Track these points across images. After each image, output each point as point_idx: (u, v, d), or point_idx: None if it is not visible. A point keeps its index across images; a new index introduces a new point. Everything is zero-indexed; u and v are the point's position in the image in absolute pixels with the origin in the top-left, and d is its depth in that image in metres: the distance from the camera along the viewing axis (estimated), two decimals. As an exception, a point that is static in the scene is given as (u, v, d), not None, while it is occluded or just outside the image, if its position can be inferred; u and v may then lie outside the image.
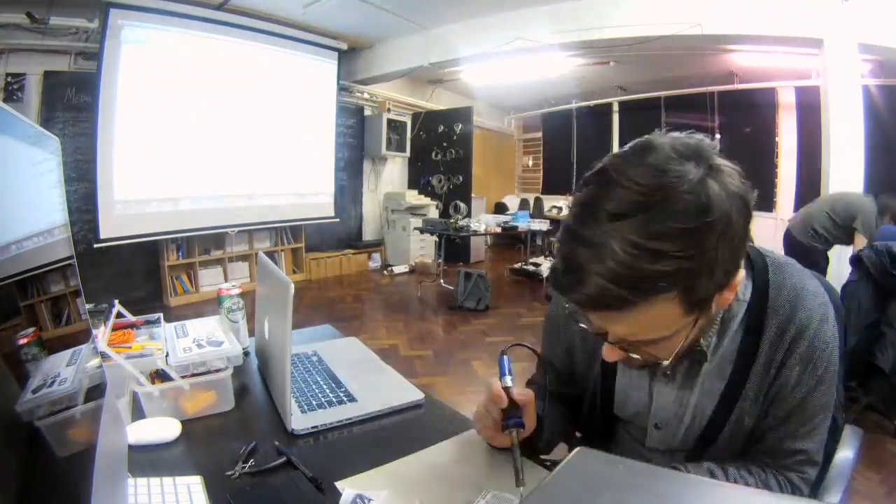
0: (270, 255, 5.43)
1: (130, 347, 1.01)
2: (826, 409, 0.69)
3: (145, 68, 3.94)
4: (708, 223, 0.50)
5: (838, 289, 3.03)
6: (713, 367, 0.70)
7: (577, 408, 0.88)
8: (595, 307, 0.55)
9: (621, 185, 0.52)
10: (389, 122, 6.20)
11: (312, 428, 0.85)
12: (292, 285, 0.80)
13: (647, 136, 0.58)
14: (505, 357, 0.77)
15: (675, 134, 0.58)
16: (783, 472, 0.69)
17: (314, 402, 0.94)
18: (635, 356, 0.61)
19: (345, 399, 0.95)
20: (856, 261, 2.51)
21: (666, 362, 0.61)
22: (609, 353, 0.62)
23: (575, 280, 0.53)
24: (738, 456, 0.73)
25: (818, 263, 3.24)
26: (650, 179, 0.51)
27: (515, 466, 0.66)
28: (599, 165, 0.59)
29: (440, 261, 5.19)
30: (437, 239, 5.35)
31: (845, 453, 0.84)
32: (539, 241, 6.19)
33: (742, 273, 0.60)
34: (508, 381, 0.74)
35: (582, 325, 0.63)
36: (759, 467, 0.70)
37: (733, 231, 0.52)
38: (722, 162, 0.54)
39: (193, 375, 0.91)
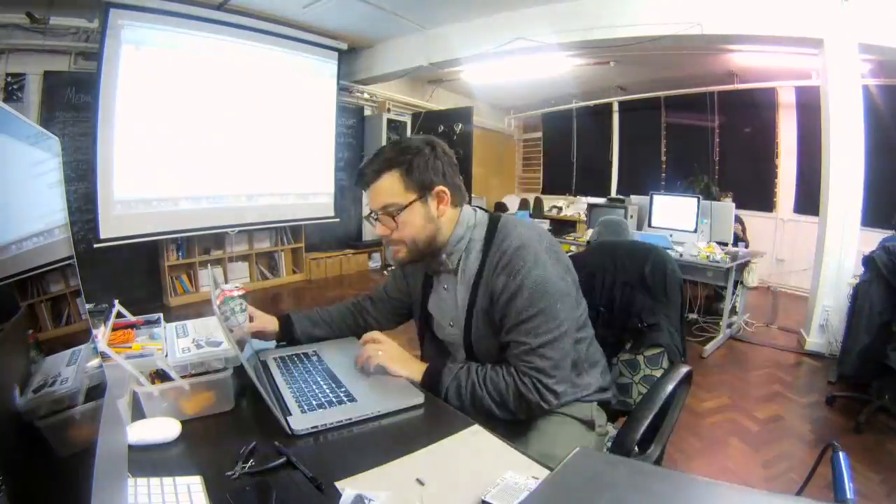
0: (270, 254, 5.43)
1: (130, 347, 1.01)
2: (541, 315, 0.97)
3: (145, 68, 3.94)
4: (418, 146, 1.03)
5: (847, 290, 3.03)
6: (467, 277, 1.08)
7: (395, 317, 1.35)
8: (360, 185, 1.07)
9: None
10: (389, 122, 6.20)
11: (312, 428, 0.85)
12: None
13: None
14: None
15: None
16: (516, 365, 0.99)
17: (314, 402, 0.93)
18: (387, 231, 1.04)
19: (345, 399, 0.95)
20: (868, 261, 2.51)
21: (402, 253, 1.07)
22: (379, 229, 1.06)
23: (360, 173, 1.06)
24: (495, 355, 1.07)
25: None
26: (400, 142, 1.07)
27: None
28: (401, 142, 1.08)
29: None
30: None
31: (668, 385, 0.99)
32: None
33: (471, 214, 1.09)
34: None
35: (372, 219, 1.07)
36: (505, 364, 1.01)
37: (423, 156, 1.01)
38: (438, 141, 1.07)
39: (193, 375, 0.91)
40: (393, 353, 1.07)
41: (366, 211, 1.09)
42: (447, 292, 1.13)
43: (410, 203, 1.01)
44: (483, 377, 1.01)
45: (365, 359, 1.05)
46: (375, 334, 1.12)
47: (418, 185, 1.01)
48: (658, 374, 1.18)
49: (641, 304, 1.21)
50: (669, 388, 0.97)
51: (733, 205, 4.00)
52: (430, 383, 1.03)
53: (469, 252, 1.08)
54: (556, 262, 1.02)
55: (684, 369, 1.04)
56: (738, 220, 4.39)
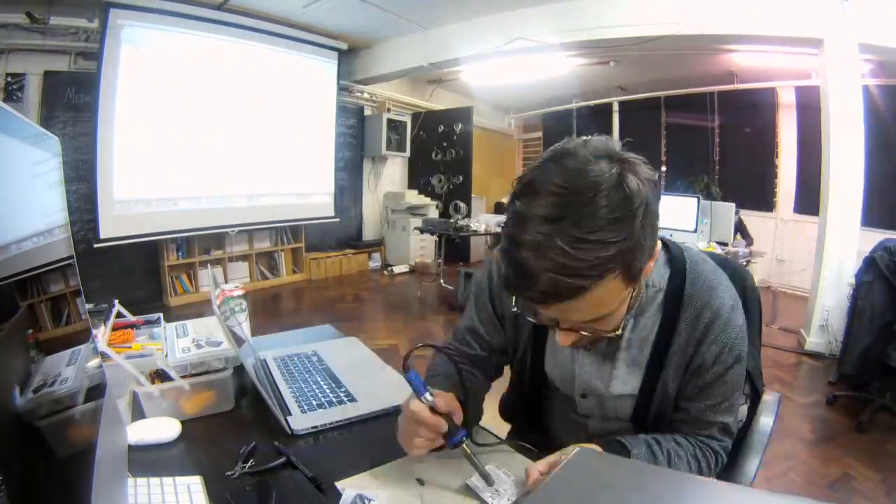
0: (270, 254, 5.43)
1: (130, 347, 1.01)
2: (739, 388, 0.79)
3: (145, 68, 3.94)
4: (633, 209, 0.58)
5: (847, 290, 3.03)
6: (635, 341, 0.79)
7: (495, 372, 0.98)
8: (549, 300, 0.59)
9: (547, 191, 0.58)
10: (389, 122, 6.20)
11: (312, 428, 0.85)
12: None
13: (560, 145, 0.64)
14: (413, 372, 0.73)
15: (584, 137, 0.65)
16: (705, 441, 0.79)
17: (314, 402, 0.94)
18: (586, 334, 0.69)
19: (345, 399, 0.95)
20: (869, 262, 2.52)
21: (616, 332, 0.69)
22: (564, 339, 0.69)
23: (527, 281, 0.58)
24: (667, 430, 0.81)
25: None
26: (572, 181, 0.58)
27: (481, 472, 0.70)
28: (525, 178, 0.62)
29: (440, 261, 5.18)
30: (437, 239, 5.35)
31: (766, 419, 0.95)
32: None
33: (658, 249, 0.74)
34: (429, 397, 0.72)
35: (531, 319, 0.69)
36: (684, 437, 0.79)
37: (652, 210, 0.61)
38: (630, 155, 0.63)
39: (193, 375, 0.91)
40: None
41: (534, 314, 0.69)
42: (589, 355, 0.82)
43: (627, 296, 0.66)
44: (666, 462, 0.76)
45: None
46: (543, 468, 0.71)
47: (637, 275, 0.63)
48: (740, 400, 1.00)
49: None
50: (769, 420, 0.94)
51: (733, 205, 4.00)
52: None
53: (644, 305, 0.78)
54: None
55: (775, 397, 0.98)
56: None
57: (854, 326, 2.52)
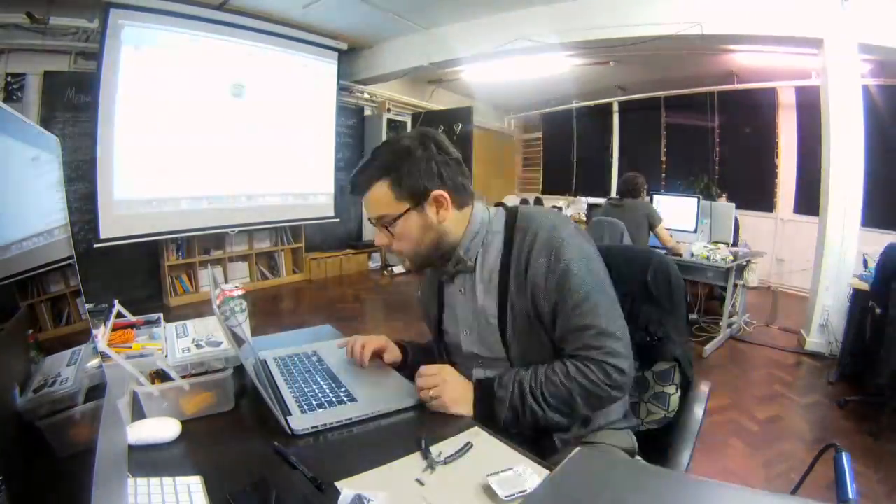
0: (270, 254, 5.43)
1: (130, 347, 1.01)
2: (597, 295, 0.90)
3: (145, 68, 3.94)
4: (396, 150, 0.93)
5: (847, 290, 3.00)
6: (485, 276, 0.98)
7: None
8: (354, 192, 0.97)
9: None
10: (389, 122, 6.20)
11: (312, 428, 0.85)
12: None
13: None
14: None
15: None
16: (581, 355, 0.89)
17: (314, 402, 0.93)
18: (387, 234, 0.95)
19: (345, 399, 0.95)
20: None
21: (407, 263, 0.99)
22: (377, 237, 0.98)
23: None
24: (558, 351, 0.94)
25: None
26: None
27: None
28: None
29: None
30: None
31: (698, 409, 1.00)
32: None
33: (484, 210, 1.00)
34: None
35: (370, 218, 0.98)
36: (562, 362, 0.91)
37: (414, 160, 0.91)
38: (441, 138, 0.96)
39: (193, 375, 0.91)
40: (451, 393, 0.92)
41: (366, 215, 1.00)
42: (463, 296, 1.02)
43: (405, 213, 0.92)
44: (540, 393, 0.90)
45: (425, 398, 0.93)
46: (429, 369, 0.95)
47: (410, 193, 0.91)
48: (670, 390, 1.09)
49: (647, 315, 1.09)
50: (700, 409, 0.96)
51: (733, 205, 4.00)
52: (482, 415, 0.92)
53: (488, 246, 0.99)
54: (590, 242, 0.96)
55: (706, 388, 1.02)
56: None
57: (888, 336, 2.47)
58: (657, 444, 1.05)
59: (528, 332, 0.95)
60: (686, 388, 1.08)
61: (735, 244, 3.90)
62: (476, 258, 0.99)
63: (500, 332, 0.97)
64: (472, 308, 1.01)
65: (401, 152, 0.92)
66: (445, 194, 0.93)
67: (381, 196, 0.92)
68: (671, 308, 1.09)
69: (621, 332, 0.90)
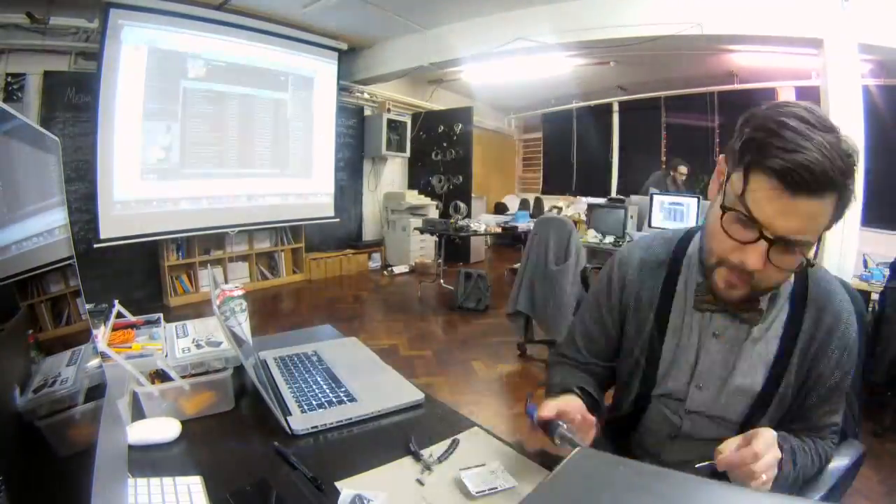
0: (270, 255, 5.43)
1: (130, 347, 1.01)
2: (849, 389, 0.80)
3: (145, 68, 3.94)
4: (851, 158, 0.64)
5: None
6: (762, 334, 0.78)
7: (606, 382, 0.96)
8: (804, 179, 0.61)
9: (810, 118, 0.64)
10: (389, 122, 6.20)
11: (312, 428, 0.85)
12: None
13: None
14: (531, 406, 0.76)
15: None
16: (823, 443, 0.79)
17: (314, 402, 0.93)
18: (780, 262, 0.68)
19: (345, 399, 0.95)
20: None
21: (741, 291, 0.72)
22: (756, 260, 0.67)
23: (806, 169, 0.60)
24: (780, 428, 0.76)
25: None
26: (815, 115, 0.64)
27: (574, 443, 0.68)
28: (764, 112, 0.70)
29: (440, 261, 5.19)
30: (437, 239, 5.35)
31: (837, 462, 0.86)
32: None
33: None
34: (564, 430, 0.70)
35: (742, 221, 0.67)
36: (811, 440, 0.79)
37: (854, 172, 0.64)
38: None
39: (193, 375, 0.91)
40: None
41: (751, 234, 0.67)
42: (718, 342, 0.80)
43: (820, 235, 0.70)
44: (802, 465, 0.75)
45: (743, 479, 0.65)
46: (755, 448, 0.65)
47: (839, 218, 0.68)
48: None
49: None
50: (841, 466, 0.87)
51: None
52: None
53: (775, 297, 0.78)
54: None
55: (857, 450, 0.93)
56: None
57: (883, 334, 2.48)
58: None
59: (774, 419, 0.79)
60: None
61: None
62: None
63: (753, 407, 0.78)
64: (725, 361, 0.79)
65: (852, 162, 0.64)
66: None
67: (824, 213, 0.65)
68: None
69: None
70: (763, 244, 0.66)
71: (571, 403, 0.76)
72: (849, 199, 0.65)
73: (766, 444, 0.64)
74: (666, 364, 0.84)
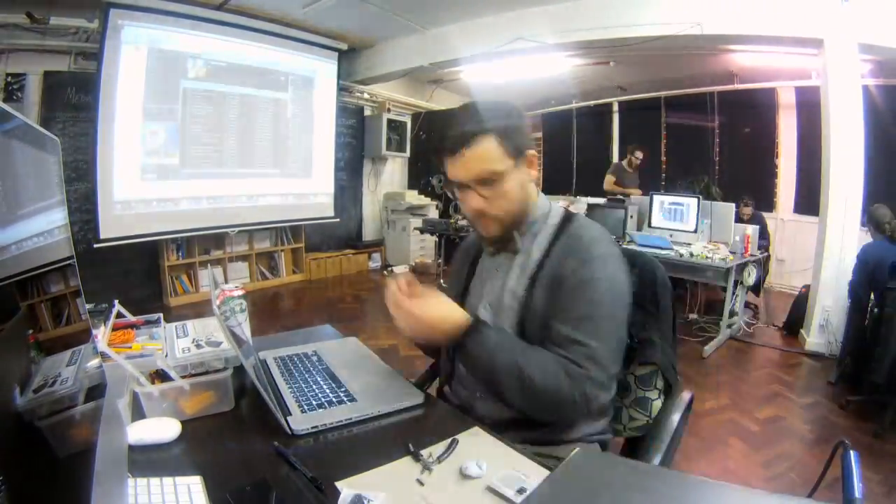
0: (270, 254, 5.43)
1: (130, 347, 1.01)
2: (607, 315, 0.90)
3: (145, 68, 3.94)
4: (496, 109, 0.93)
5: (847, 290, 3.02)
6: (525, 262, 0.99)
7: None
8: (448, 152, 0.93)
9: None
10: (389, 122, 6.20)
11: (312, 428, 0.85)
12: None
13: None
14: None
15: None
16: (569, 359, 0.87)
17: (314, 402, 0.93)
18: (482, 195, 0.93)
19: (345, 399, 0.95)
20: (894, 268, 2.50)
21: (494, 227, 0.97)
22: (470, 199, 0.94)
23: (446, 140, 0.93)
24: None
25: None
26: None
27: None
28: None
29: (440, 261, 5.19)
30: (437, 239, 5.35)
31: (674, 416, 0.99)
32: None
33: (543, 199, 1.03)
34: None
35: (449, 193, 0.98)
36: (554, 355, 0.89)
37: (516, 118, 0.94)
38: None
39: (193, 375, 0.91)
40: (416, 327, 0.89)
41: (458, 184, 0.95)
42: (496, 273, 1.04)
43: (511, 169, 0.92)
44: (528, 356, 0.88)
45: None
46: (396, 297, 0.92)
47: (516, 149, 0.92)
48: (653, 395, 1.07)
49: (631, 318, 1.02)
50: (676, 418, 0.94)
51: (733, 205, 4.00)
52: (463, 337, 0.89)
53: (536, 234, 1.01)
54: (626, 274, 0.95)
55: (687, 396, 1.00)
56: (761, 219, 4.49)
57: (883, 334, 2.49)
58: (634, 453, 1.05)
59: (540, 330, 0.93)
60: (668, 394, 1.06)
61: (760, 249, 3.92)
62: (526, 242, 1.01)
63: (518, 323, 0.96)
64: (500, 288, 1.02)
65: (504, 109, 0.93)
66: (535, 155, 0.97)
67: (487, 151, 0.90)
68: (656, 311, 1.07)
69: (611, 367, 0.89)
70: (462, 191, 0.95)
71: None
72: (507, 134, 0.91)
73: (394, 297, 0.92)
74: (471, 296, 1.09)
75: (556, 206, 1.05)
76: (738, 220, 4.19)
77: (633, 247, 3.68)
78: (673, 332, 1.10)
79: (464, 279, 1.12)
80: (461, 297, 1.09)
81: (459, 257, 1.19)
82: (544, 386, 0.85)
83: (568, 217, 1.02)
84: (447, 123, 0.93)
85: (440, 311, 0.90)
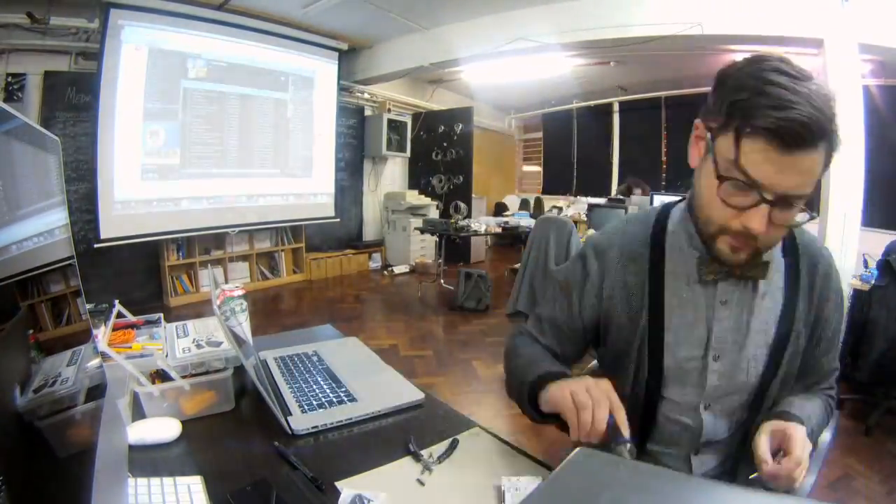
0: (271, 255, 5.43)
1: (131, 347, 1.01)
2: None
3: (145, 68, 3.94)
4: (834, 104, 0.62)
5: (847, 290, 3.04)
6: (767, 288, 0.77)
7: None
8: (800, 135, 0.59)
9: (788, 69, 0.63)
10: (390, 122, 6.20)
11: (312, 428, 0.85)
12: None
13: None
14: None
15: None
16: (828, 393, 0.83)
17: (314, 402, 0.93)
18: (781, 216, 0.65)
19: (345, 399, 0.95)
20: (883, 265, 2.50)
21: (745, 254, 0.70)
22: (760, 223, 0.64)
23: (797, 122, 0.58)
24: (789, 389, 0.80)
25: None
26: (796, 68, 0.63)
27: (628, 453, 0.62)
28: (740, 67, 0.66)
29: (440, 261, 5.19)
30: (437, 239, 5.35)
31: (826, 433, 0.88)
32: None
33: None
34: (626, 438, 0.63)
35: (740, 186, 0.64)
36: (813, 394, 0.81)
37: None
38: None
39: (193, 375, 0.91)
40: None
41: (748, 198, 0.65)
42: (727, 309, 0.77)
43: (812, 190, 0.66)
44: (816, 411, 0.78)
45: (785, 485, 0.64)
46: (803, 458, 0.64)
47: (830, 160, 0.64)
48: None
49: None
50: (829, 437, 0.90)
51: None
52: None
53: (771, 252, 0.77)
54: None
55: (836, 415, 0.95)
56: None
57: (868, 332, 2.50)
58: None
59: (790, 374, 0.78)
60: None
61: None
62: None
63: (770, 368, 0.77)
64: (738, 325, 0.77)
65: (835, 106, 0.62)
66: None
67: (817, 166, 0.62)
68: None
69: None
70: (764, 206, 0.63)
71: (612, 393, 0.67)
72: (836, 143, 0.63)
73: (803, 446, 0.64)
74: (671, 346, 0.79)
75: None
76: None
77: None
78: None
79: (646, 307, 0.81)
80: (648, 337, 0.81)
81: (629, 268, 0.83)
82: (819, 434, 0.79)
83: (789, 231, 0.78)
84: (797, 93, 0.59)
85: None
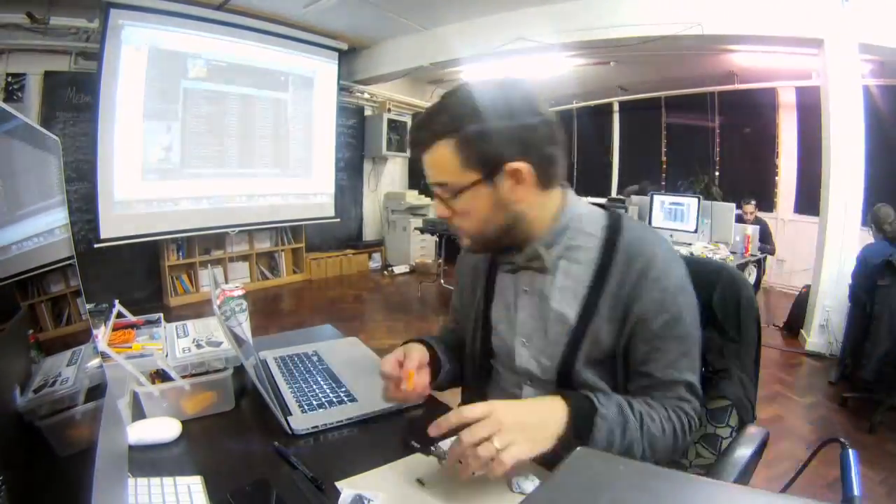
0: (271, 254, 5.44)
1: (131, 347, 1.01)
2: (696, 344, 0.80)
3: (145, 68, 3.94)
4: (465, 105, 0.74)
5: (847, 290, 3.03)
6: (568, 283, 0.82)
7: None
8: (412, 147, 0.80)
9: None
10: (390, 122, 6.20)
11: (312, 428, 0.85)
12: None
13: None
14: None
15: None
16: (676, 403, 0.78)
17: (314, 402, 0.93)
18: (447, 208, 0.80)
19: (345, 399, 0.95)
20: (885, 265, 2.51)
21: (466, 241, 0.84)
22: (437, 209, 0.82)
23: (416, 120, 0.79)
24: (625, 392, 0.80)
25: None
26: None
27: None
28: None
29: (440, 261, 5.19)
30: (437, 239, 5.35)
31: (743, 450, 0.82)
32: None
33: (578, 200, 0.88)
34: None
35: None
36: (657, 402, 0.78)
37: (487, 119, 0.72)
38: (529, 89, 0.80)
39: (193, 375, 0.91)
40: (521, 434, 0.66)
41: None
42: (529, 297, 0.85)
43: (471, 185, 0.75)
44: (642, 431, 0.75)
45: (480, 466, 0.64)
46: (472, 411, 0.67)
47: (481, 161, 0.73)
48: (724, 432, 0.92)
49: (708, 343, 0.90)
50: (745, 453, 0.80)
51: (733, 205, 4.00)
52: (576, 436, 0.70)
53: (574, 248, 0.82)
54: (691, 282, 0.82)
55: (760, 435, 0.84)
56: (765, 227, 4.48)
57: (871, 331, 2.51)
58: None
59: (598, 364, 0.80)
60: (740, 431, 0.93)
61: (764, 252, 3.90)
62: (559, 260, 0.82)
63: (569, 352, 0.80)
64: (539, 312, 0.84)
65: (473, 106, 0.72)
66: (526, 168, 0.74)
67: (443, 160, 0.74)
68: (738, 337, 0.91)
69: (700, 391, 0.81)
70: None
71: (412, 353, 0.88)
72: (469, 140, 0.72)
73: (462, 412, 0.67)
74: (495, 326, 0.91)
75: (595, 211, 0.87)
76: (741, 220, 4.20)
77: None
78: (755, 364, 0.93)
79: (481, 303, 0.92)
80: (483, 328, 0.92)
81: (466, 272, 1.00)
82: (664, 445, 0.76)
83: (614, 226, 0.82)
84: (420, 117, 0.79)
85: (538, 412, 0.71)
